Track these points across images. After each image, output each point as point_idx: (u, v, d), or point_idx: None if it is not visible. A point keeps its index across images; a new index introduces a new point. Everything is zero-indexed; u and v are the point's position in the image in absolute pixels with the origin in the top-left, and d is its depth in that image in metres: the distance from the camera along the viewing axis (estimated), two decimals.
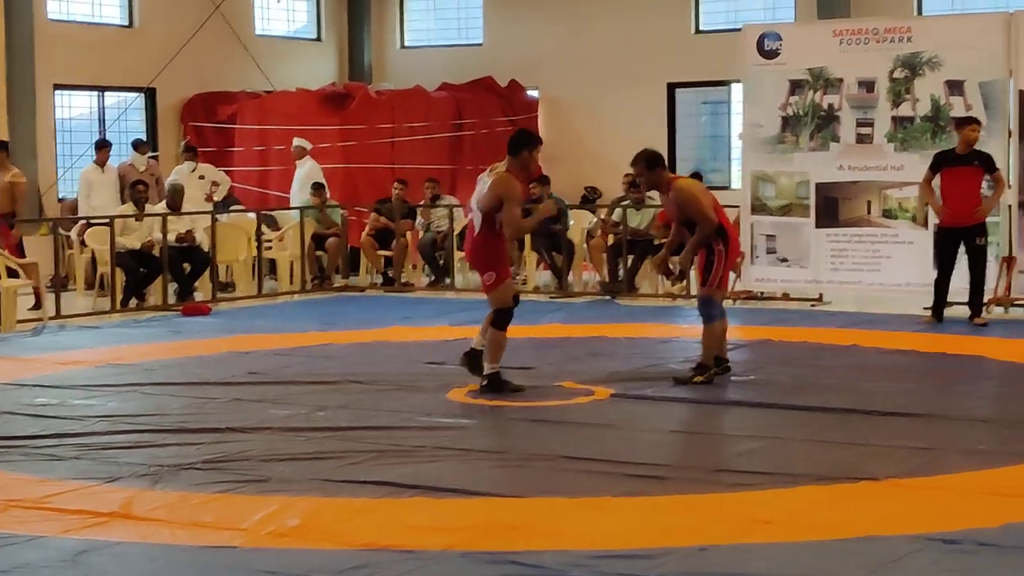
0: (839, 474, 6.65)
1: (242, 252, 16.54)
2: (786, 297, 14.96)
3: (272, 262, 17.50)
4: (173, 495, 6.46)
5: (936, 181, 12.74)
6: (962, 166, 12.50)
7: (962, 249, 12.71)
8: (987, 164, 12.57)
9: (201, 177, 17.39)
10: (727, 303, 14.63)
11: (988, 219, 13.34)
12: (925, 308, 13.26)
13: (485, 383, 9.17)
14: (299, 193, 17.61)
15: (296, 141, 18.04)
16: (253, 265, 16.56)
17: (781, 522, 5.83)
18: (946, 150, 12.82)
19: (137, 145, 18.25)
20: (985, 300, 13.27)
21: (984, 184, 12.69)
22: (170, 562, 5.45)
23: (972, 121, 12.74)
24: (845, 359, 10.65)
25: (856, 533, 5.62)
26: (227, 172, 18.41)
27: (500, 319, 9.25)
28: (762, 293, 15.08)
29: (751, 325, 12.89)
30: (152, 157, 18.42)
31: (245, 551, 5.54)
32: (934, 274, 13.30)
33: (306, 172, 17.73)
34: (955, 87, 13.65)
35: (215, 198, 17.41)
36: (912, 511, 6.02)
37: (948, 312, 13.01)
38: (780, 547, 5.50)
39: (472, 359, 9.31)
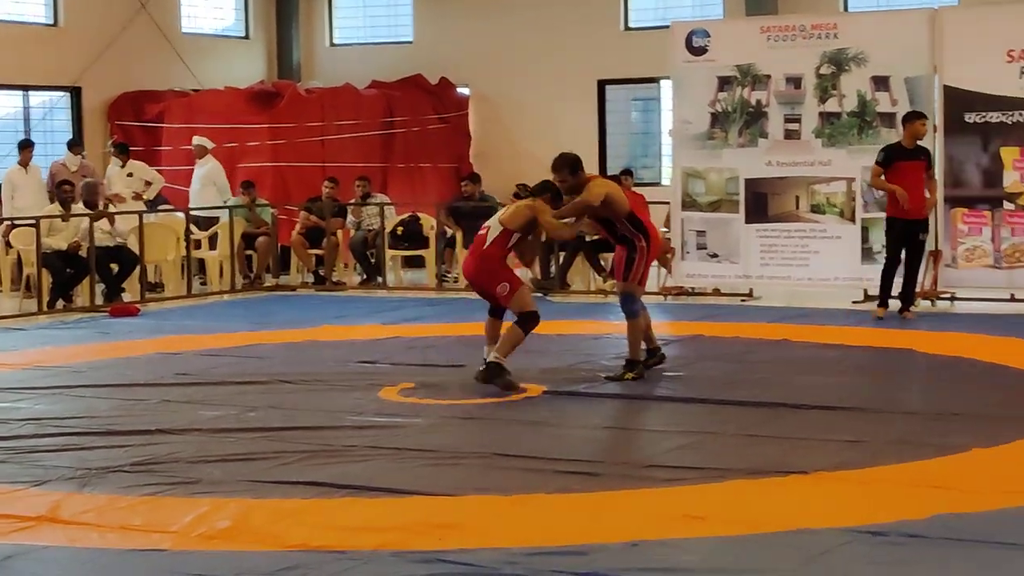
0: (769, 468, 6.69)
1: (171, 252, 16.41)
2: (717, 292, 15.04)
3: (201, 262, 17.39)
4: (101, 498, 6.40)
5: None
6: (911, 160, 12.59)
7: None
8: (929, 159, 12.69)
9: (130, 175, 17.19)
10: (659, 299, 14.73)
11: None
12: (854, 302, 13.38)
13: (486, 367, 9.23)
14: (200, 193, 17.25)
15: (196, 140, 17.74)
16: (182, 265, 16.45)
17: (712, 517, 5.86)
18: (894, 144, 12.86)
19: (71, 145, 18.06)
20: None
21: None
22: (99, 566, 5.41)
23: (922, 116, 12.85)
24: (775, 354, 10.73)
25: (786, 526, 5.66)
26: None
27: (526, 322, 9.34)
28: (693, 289, 15.15)
29: (682, 320, 12.95)
30: (83, 157, 18.21)
31: (175, 554, 5.50)
32: (862, 268, 13.44)
33: (207, 171, 17.45)
34: (881, 83, 13.78)
35: (145, 196, 17.24)
36: (841, 504, 6.07)
37: (869, 307, 13.12)
38: (711, 541, 5.53)
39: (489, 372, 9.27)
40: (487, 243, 9.46)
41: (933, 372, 10.04)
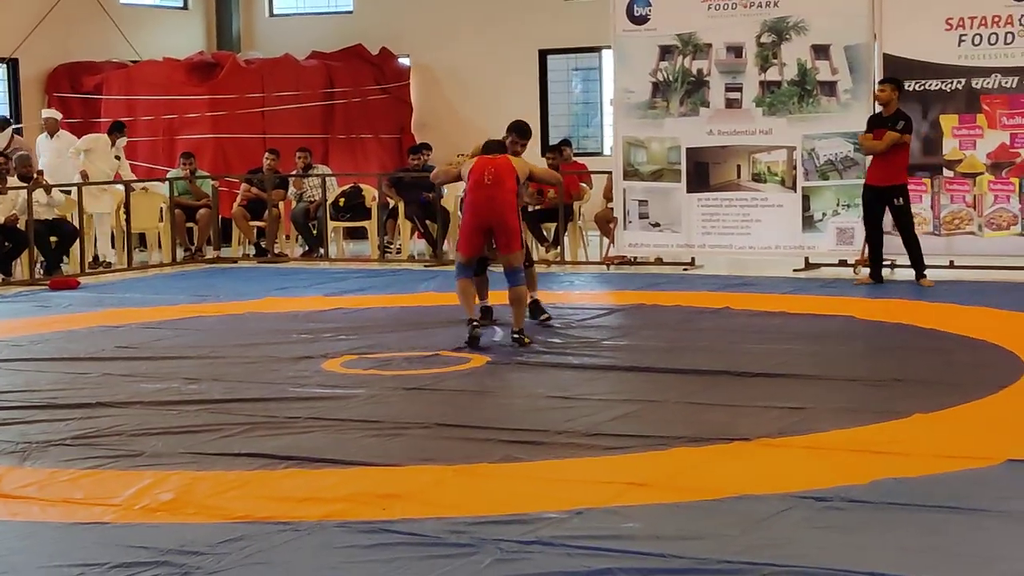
0: (712, 435, 6.72)
1: (155, 221, 16.66)
2: (659, 262, 15.09)
3: (141, 235, 17.26)
4: (43, 472, 6.35)
5: None
6: (882, 127, 12.68)
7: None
8: (894, 122, 12.69)
9: (117, 157, 16.78)
10: (602, 269, 14.76)
11: (854, 182, 13.61)
12: (795, 270, 13.47)
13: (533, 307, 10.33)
14: (61, 167, 16.53)
15: (45, 113, 17.35)
16: (122, 238, 16.32)
17: (655, 484, 5.88)
18: (876, 113, 13.00)
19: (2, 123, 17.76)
20: (852, 261, 13.52)
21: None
22: (41, 539, 5.36)
23: (881, 81, 12.97)
24: (717, 322, 10.77)
25: (729, 493, 5.68)
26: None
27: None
28: (635, 258, 15.20)
29: (625, 290, 12.99)
30: (16, 131, 17.94)
31: (117, 527, 5.46)
32: (803, 236, 13.53)
33: (64, 144, 16.81)
34: (821, 51, 13.84)
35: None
36: (783, 470, 6.11)
37: (814, 274, 13.21)
38: (654, 508, 5.55)
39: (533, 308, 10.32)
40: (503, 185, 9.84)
41: (874, 339, 10.11)
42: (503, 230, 9.80)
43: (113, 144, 16.67)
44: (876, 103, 12.97)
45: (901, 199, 12.75)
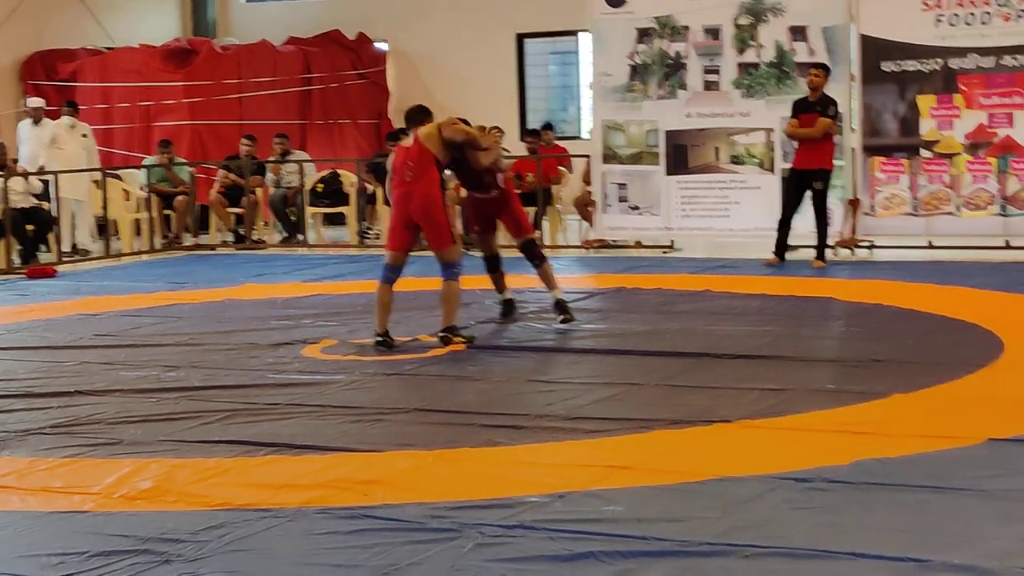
0: (693, 417, 6.72)
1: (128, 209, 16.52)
2: (639, 245, 15.09)
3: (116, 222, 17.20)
4: (21, 461, 6.31)
5: None
6: (809, 112, 12.73)
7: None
8: (823, 108, 12.77)
9: (84, 135, 16.70)
10: (581, 252, 14.74)
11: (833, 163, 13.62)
12: (774, 253, 13.48)
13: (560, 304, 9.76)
14: (45, 151, 16.30)
15: (31, 101, 17.21)
16: (99, 225, 16.25)
17: (637, 467, 5.87)
18: (801, 97, 13.04)
19: None
20: (832, 242, 13.54)
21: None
22: (20, 528, 5.33)
23: (812, 66, 12.98)
24: (697, 304, 10.76)
25: (710, 475, 5.68)
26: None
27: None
28: (615, 241, 15.19)
29: (604, 273, 12.98)
30: None
31: (97, 515, 5.44)
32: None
33: (50, 133, 16.57)
34: (798, 33, 13.85)
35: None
36: (764, 452, 6.11)
37: (795, 255, 13.22)
38: (636, 491, 5.54)
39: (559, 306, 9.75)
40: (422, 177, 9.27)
41: (853, 319, 10.11)
42: (428, 226, 9.19)
43: (74, 125, 16.54)
44: (809, 88, 12.92)
45: (820, 183, 12.80)
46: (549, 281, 9.88)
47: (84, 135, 16.61)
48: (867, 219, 13.71)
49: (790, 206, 12.95)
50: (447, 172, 9.72)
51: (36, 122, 16.73)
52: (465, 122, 9.62)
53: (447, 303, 9.15)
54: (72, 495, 5.72)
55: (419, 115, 9.53)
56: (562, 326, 9.61)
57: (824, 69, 12.95)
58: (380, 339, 9.11)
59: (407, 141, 9.42)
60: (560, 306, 9.77)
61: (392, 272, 9.35)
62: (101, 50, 20.33)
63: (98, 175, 16.48)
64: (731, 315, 10.15)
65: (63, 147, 16.26)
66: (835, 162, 13.12)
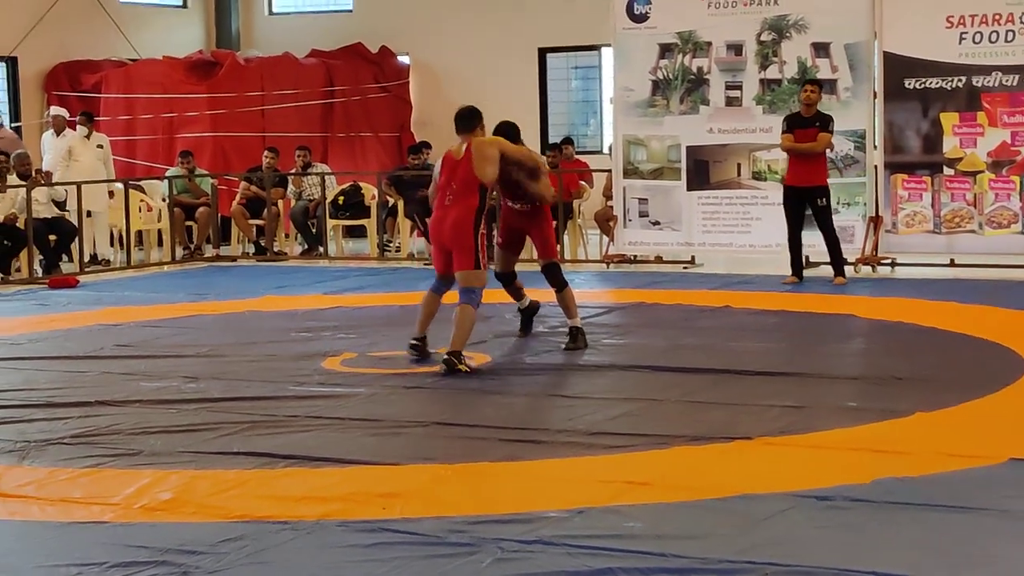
0: (713, 434, 6.70)
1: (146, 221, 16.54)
2: (659, 260, 15.07)
3: (140, 233, 17.24)
4: (42, 471, 6.32)
5: None
6: (806, 128, 12.68)
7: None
8: (823, 124, 12.71)
9: (99, 146, 16.72)
10: (601, 267, 14.73)
11: (854, 180, 13.61)
12: (792, 273, 13.43)
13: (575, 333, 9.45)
14: (63, 163, 16.32)
15: (54, 110, 17.24)
16: (121, 236, 16.29)
17: (656, 483, 5.85)
18: (793, 112, 13.02)
19: None
20: (853, 259, 13.50)
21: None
22: (40, 539, 5.34)
23: (807, 82, 12.95)
24: (718, 320, 10.74)
25: (730, 492, 5.66)
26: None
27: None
28: (635, 256, 15.18)
29: (624, 288, 12.97)
30: (15, 129, 17.83)
31: (116, 526, 5.44)
32: (803, 235, 13.47)
33: (66, 143, 16.65)
34: (821, 49, 13.83)
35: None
36: (785, 469, 6.08)
37: (815, 272, 13.19)
38: (656, 507, 5.52)
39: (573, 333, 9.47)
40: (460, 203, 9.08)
41: (875, 337, 10.09)
42: (456, 247, 8.96)
43: (89, 135, 16.58)
44: (804, 104, 12.82)
45: (823, 199, 12.75)
46: (568, 309, 9.57)
47: (100, 146, 16.64)
48: (889, 236, 13.67)
49: (795, 224, 12.88)
50: None
51: (57, 133, 16.78)
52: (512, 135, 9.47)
53: (459, 327, 8.72)
54: (92, 506, 5.72)
55: (472, 120, 9.26)
56: (571, 348, 9.36)
57: (819, 85, 12.93)
58: (413, 343, 9.05)
59: (458, 151, 9.17)
60: (573, 334, 9.47)
61: (441, 283, 9.24)
62: (125, 61, 20.40)
63: (115, 186, 16.52)
64: (752, 331, 10.13)
65: (79, 159, 16.29)
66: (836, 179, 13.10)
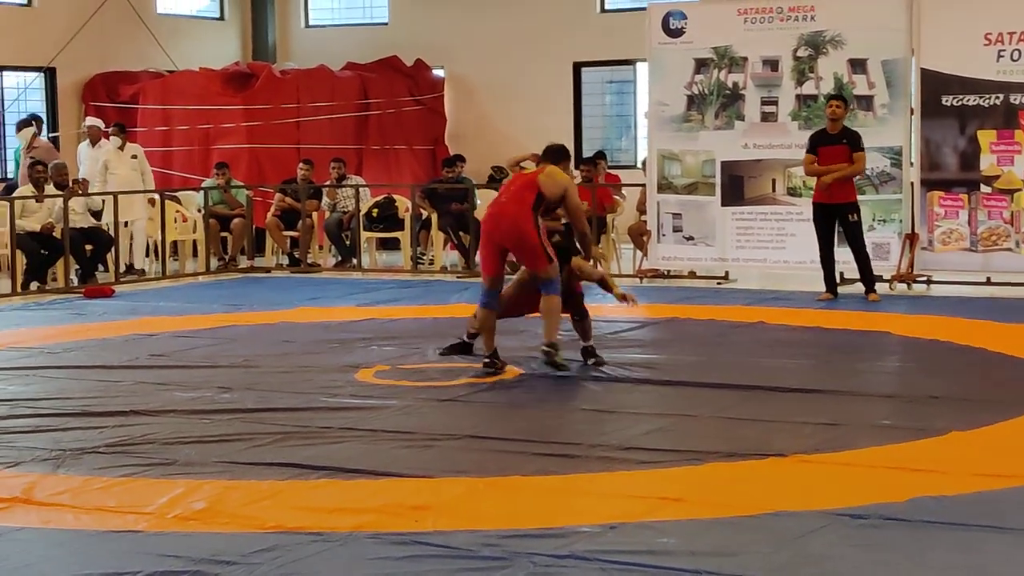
0: (747, 451, 6.68)
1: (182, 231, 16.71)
2: (692, 275, 15.04)
3: (175, 243, 17.31)
4: (76, 479, 6.35)
5: None
6: (832, 145, 12.63)
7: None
8: (852, 142, 12.67)
9: (134, 156, 16.76)
10: (635, 282, 14.71)
11: (890, 197, 13.57)
12: (826, 290, 13.38)
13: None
14: (100, 175, 16.30)
15: (90, 121, 17.25)
16: (156, 246, 16.35)
17: (690, 499, 5.84)
18: (819, 130, 12.98)
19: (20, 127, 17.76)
20: (888, 276, 13.44)
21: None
22: (74, 547, 5.36)
23: (832, 98, 12.90)
24: (751, 336, 10.71)
25: (764, 509, 5.64)
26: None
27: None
28: (668, 271, 15.15)
29: (658, 303, 12.93)
30: (52, 139, 17.88)
31: (150, 535, 5.46)
32: (838, 251, 13.41)
33: (102, 154, 16.60)
34: (858, 65, 13.78)
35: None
36: (819, 487, 6.06)
37: (850, 289, 13.14)
38: (689, 524, 5.51)
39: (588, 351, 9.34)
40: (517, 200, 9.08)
41: (910, 355, 10.04)
42: (519, 248, 9.04)
43: (122, 146, 16.61)
44: (829, 120, 12.77)
45: (854, 215, 12.70)
46: (585, 333, 9.46)
47: (134, 156, 16.66)
48: (924, 254, 13.61)
49: (826, 241, 12.83)
50: None
51: (93, 143, 16.85)
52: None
53: (548, 316, 9.03)
54: (126, 514, 5.74)
55: (558, 156, 9.42)
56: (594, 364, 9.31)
57: (844, 100, 12.88)
58: (487, 360, 9.04)
59: (529, 167, 9.38)
60: (587, 352, 9.39)
61: (491, 297, 9.21)
62: (162, 73, 20.50)
63: (152, 196, 16.57)
64: (786, 348, 10.10)
65: (115, 171, 16.34)
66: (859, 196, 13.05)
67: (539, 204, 9.08)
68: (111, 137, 16.77)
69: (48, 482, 6.31)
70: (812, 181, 13.73)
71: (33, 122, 17.67)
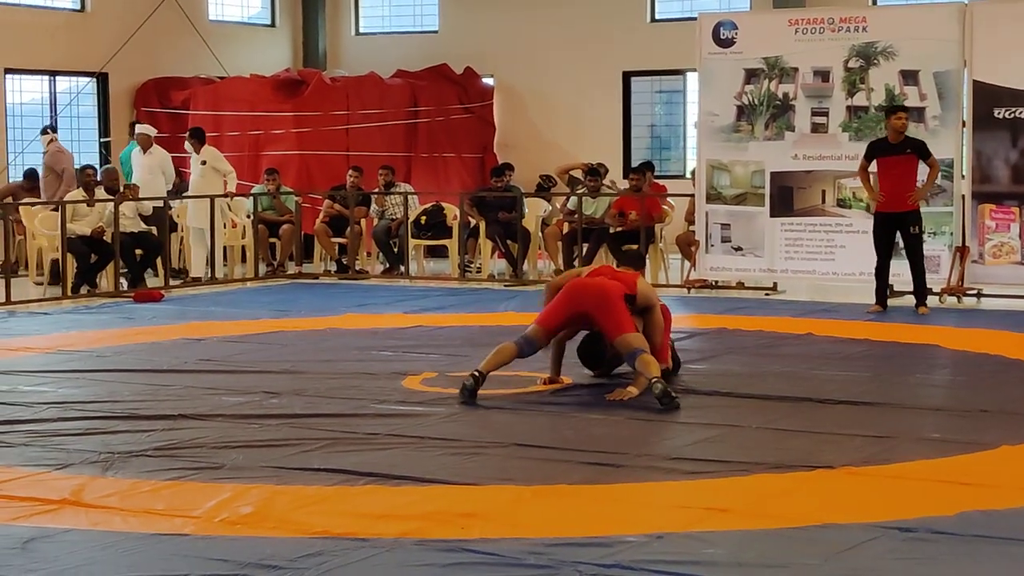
0: (794, 462, 6.65)
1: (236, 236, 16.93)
2: (740, 286, 14.99)
3: (224, 249, 17.39)
4: (124, 482, 6.38)
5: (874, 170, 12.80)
6: (895, 155, 12.56)
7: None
8: (919, 151, 12.60)
9: (204, 163, 16.86)
10: (682, 292, 14.67)
11: (941, 209, 13.48)
12: (876, 302, 13.30)
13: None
14: (151, 183, 16.43)
15: (140, 128, 17.30)
16: (206, 254, 16.44)
17: (737, 510, 5.82)
18: (879, 139, 12.91)
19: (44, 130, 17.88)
20: (938, 289, 13.36)
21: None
22: (121, 549, 5.39)
23: (897, 109, 12.82)
24: (799, 348, 10.66)
25: (812, 521, 5.61)
26: (180, 158, 18.14)
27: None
28: (716, 282, 15.11)
29: (706, 314, 12.90)
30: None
31: (197, 538, 5.48)
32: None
33: (156, 161, 16.76)
34: (910, 77, 13.72)
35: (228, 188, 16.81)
36: (868, 499, 6.02)
37: (899, 301, 13.06)
38: (736, 535, 5.49)
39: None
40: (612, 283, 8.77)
41: (959, 368, 9.97)
42: (606, 312, 8.54)
43: (197, 151, 16.69)
44: (892, 130, 12.65)
45: (916, 227, 12.60)
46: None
47: (203, 162, 16.59)
48: (975, 267, 13.52)
49: (884, 252, 12.75)
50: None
51: (144, 150, 16.88)
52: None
53: (644, 367, 8.28)
54: (174, 518, 5.77)
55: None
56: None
57: (907, 111, 12.82)
58: (476, 375, 8.45)
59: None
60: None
61: (528, 346, 8.71)
62: (213, 79, 20.62)
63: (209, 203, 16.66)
64: (834, 360, 10.05)
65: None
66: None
67: (629, 301, 8.69)
68: (186, 143, 16.86)
69: (97, 484, 6.35)
70: (862, 193, 13.67)
71: (48, 130, 17.73)
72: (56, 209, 14.97)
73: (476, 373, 8.52)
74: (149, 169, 16.66)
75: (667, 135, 21.87)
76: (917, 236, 12.67)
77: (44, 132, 17.62)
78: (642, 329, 8.66)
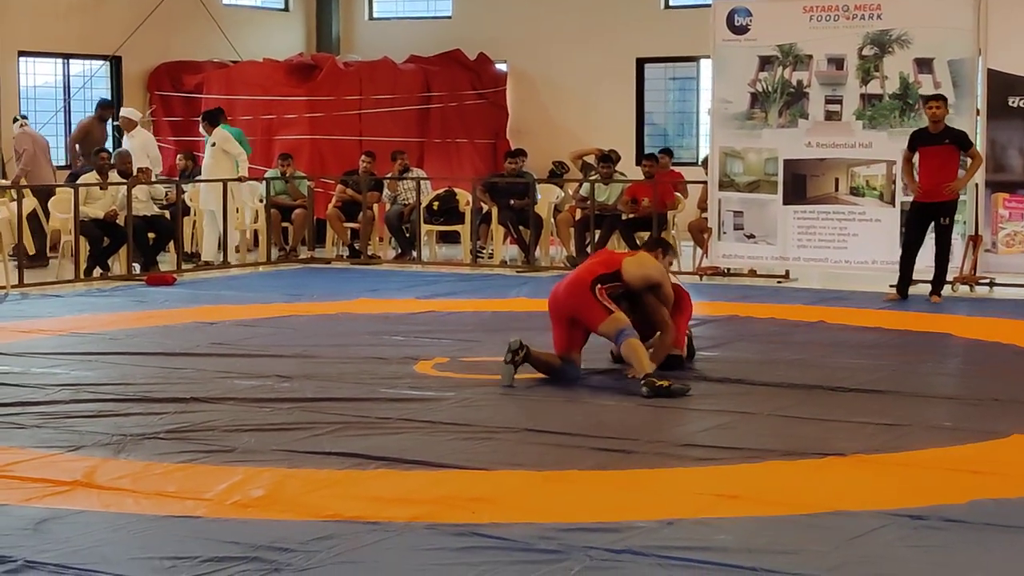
0: (805, 449, 6.65)
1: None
2: (753, 273, 14.98)
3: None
4: (137, 464, 6.40)
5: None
6: (934, 145, 12.52)
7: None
8: (960, 141, 12.57)
9: (213, 144, 16.80)
10: (695, 279, 14.67)
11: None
12: (891, 285, 13.27)
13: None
14: (135, 164, 16.13)
15: (124, 111, 17.38)
16: (218, 237, 16.46)
17: (747, 497, 5.82)
18: (920, 129, 12.84)
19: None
20: (951, 278, 13.33)
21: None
22: (133, 531, 5.40)
23: (933, 98, 12.77)
24: (811, 336, 10.66)
25: (822, 508, 5.62)
26: (192, 142, 18.13)
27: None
28: (728, 269, 15.10)
29: (718, 301, 12.89)
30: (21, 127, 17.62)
31: (209, 521, 5.50)
32: (900, 251, 13.34)
33: (140, 144, 16.82)
34: (924, 65, 13.68)
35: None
36: (879, 487, 6.02)
37: (912, 289, 13.04)
38: (746, 521, 5.49)
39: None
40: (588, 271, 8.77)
41: (972, 357, 9.97)
42: (578, 311, 8.59)
43: (209, 133, 16.69)
44: (930, 120, 12.63)
45: (947, 219, 12.56)
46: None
47: (213, 144, 16.58)
48: (988, 256, 13.49)
49: (915, 241, 12.70)
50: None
51: (127, 132, 16.88)
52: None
53: (635, 359, 8.35)
54: (185, 500, 5.79)
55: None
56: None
57: (945, 100, 12.76)
58: (517, 349, 8.45)
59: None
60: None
61: (568, 365, 8.71)
62: (226, 63, 20.62)
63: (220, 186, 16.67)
64: (846, 348, 10.04)
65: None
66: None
67: (608, 281, 8.65)
68: (200, 127, 16.86)
69: (109, 466, 6.37)
70: (876, 181, 13.66)
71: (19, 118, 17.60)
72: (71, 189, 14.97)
73: (518, 348, 8.43)
74: (131, 152, 16.58)
75: (680, 122, 21.83)
76: (948, 227, 12.63)
77: (15, 120, 17.49)
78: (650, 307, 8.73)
